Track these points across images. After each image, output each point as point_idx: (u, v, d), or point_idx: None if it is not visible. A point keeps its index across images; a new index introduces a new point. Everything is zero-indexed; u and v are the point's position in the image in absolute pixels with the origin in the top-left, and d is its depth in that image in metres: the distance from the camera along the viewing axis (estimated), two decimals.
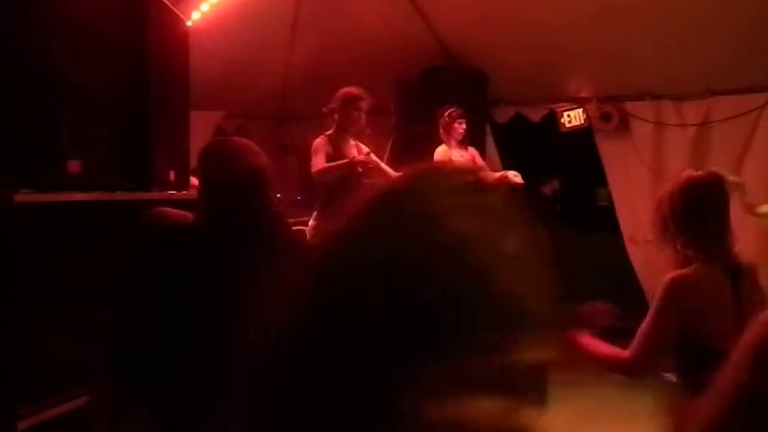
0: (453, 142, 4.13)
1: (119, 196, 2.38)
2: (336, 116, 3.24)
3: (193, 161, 3.19)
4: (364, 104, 3.23)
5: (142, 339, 1.36)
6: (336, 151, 3.17)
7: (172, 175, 2.69)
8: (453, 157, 4.02)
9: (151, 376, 1.38)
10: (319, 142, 3.19)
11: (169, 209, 1.93)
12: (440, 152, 4.03)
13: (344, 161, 3.17)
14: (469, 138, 5.62)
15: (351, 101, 3.20)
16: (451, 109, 4.15)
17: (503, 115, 6.01)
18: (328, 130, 3.27)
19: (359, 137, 3.34)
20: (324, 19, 5.13)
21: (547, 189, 5.99)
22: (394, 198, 0.52)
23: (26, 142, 2.10)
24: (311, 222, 3.21)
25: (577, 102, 5.44)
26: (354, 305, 0.44)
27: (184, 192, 2.81)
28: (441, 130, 4.15)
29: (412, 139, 5.40)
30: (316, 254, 0.61)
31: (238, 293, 1.36)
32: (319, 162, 3.15)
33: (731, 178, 3.38)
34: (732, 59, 4.56)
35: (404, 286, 0.44)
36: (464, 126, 4.17)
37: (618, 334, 6.16)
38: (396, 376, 0.43)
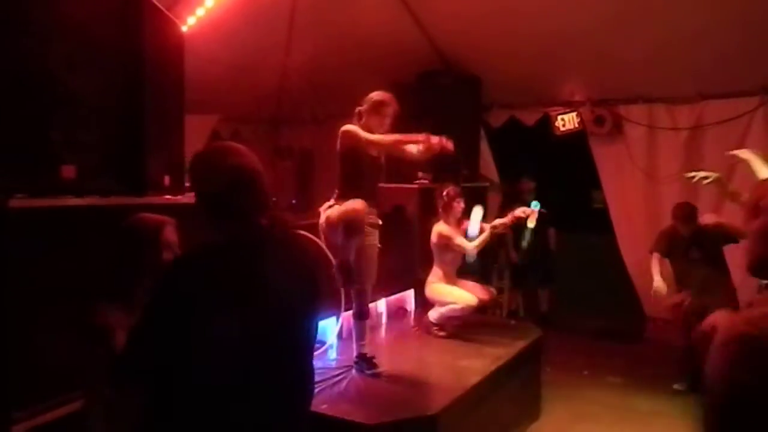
0: (452, 220, 4.21)
1: (113, 200, 2.37)
2: (363, 118, 3.34)
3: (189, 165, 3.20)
4: (391, 110, 3.35)
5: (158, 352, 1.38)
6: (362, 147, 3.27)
7: (167, 179, 2.69)
8: (453, 234, 4.11)
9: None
10: (354, 128, 3.26)
11: (148, 214, 1.94)
12: (445, 230, 4.14)
13: (420, 137, 3.22)
14: (464, 142, 5.66)
15: (380, 105, 3.32)
16: (449, 188, 4.25)
17: (497, 118, 6.04)
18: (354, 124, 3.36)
19: None
20: (320, 23, 5.15)
21: (524, 191, 5.98)
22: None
23: (20, 147, 2.10)
24: (331, 201, 3.26)
25: (570, 106, 5.47)
26: None
27: (179, 196, 2.82)
28: (440, 209, 4.23)
29: None
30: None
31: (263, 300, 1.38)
32: (368, 136, 3.21)
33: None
34: (724, 63, 4.60)
35: None
36: (462, 205, 4.22)
37: (610, 335, 6.20)
38: None
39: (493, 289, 4.47)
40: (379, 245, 3.39)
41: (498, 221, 4.11)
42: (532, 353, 4.10)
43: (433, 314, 4.16)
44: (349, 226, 3.06)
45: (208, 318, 1.33)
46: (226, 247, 1.44)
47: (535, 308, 6.06)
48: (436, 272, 4.27)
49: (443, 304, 4.08)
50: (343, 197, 3.20)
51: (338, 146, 3.26)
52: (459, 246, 4.10)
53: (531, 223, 4.10)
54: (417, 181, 5.15)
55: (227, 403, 1.34)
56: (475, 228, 4.15)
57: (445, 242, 4.12)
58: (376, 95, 3.35)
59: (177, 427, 1.37)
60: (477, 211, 4.20)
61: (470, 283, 4.35)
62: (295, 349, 1.48)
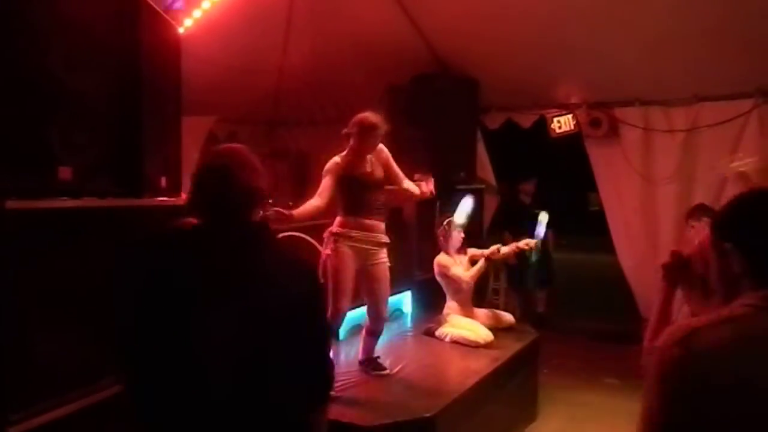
0: (452, 250, 4.25)
1: (110, 202, 2.37)
2: (351, 141, 3.26)
3: (185, 167, 3.21)
4: (381, 132, 3.25)
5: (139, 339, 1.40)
6: (352, 170, 3.23)
7: (163, 181, 2.69)
8: (451, 263, 4.19)
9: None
10: (332, 165, 3.24)
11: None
12: (443, 260, 4.21)
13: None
14: (460, 145, 5.67)
15: (368, 129, 3.22)
16: (449, 219, 4.28)
17: (494, 121, 6.06)
18: (344, 150, 3.31)
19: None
20: (316, 25, 5.15)
21: (524, 192, 5.99)
22: None
23: (17, 148, 2.09)
24: (336, 228, 3.25)
25: (567, 108, 5.49)
26: None
27: (175, 198, 2.81)
28: (441, 238, 4.27)
29: (404, 145, 5.43)
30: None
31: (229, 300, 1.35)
32: (323, 186, 3.21)
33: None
34: (719, 65, 4.62)
35: None
36: (462, 235, 4.27)
37: (606, 337, 6.23)
38: None
39: (510, 315, 4.46)
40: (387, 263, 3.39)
41: (498, 251, 4.15)
42: (529, 355, 4.11)
43: (441, 332, 4.13)
44: None
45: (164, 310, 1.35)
46: (183, 239, 1.46)
47: (532, 309, 6.08)
48: (450, 306, 4.24)
49: (456, 334, 4.04)
50: (348, 218, 3.25)
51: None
52: (455, 276, 4.14)
53: (534, 256, 4.25)
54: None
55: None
56: (462, 216, 4.17)
57: (444, 272, 4.15)
58: (365, 119, 3.23)
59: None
60: (466, 203, 4.22)
61: (487, 312, 4.38)
62: (267, 349, 1.39)
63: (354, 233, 3.21)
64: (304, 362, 1.43)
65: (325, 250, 3.25)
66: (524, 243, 4.17)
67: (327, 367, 1.51)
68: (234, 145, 1.64)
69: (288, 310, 1.40)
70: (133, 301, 1.41)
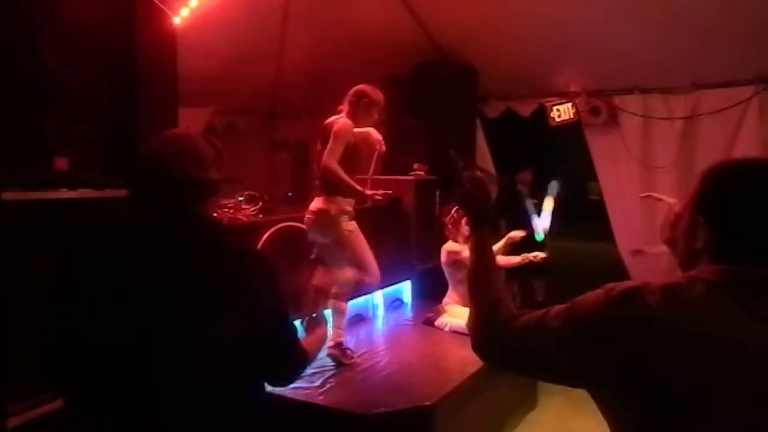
0: (460, 239, 4.21)
1: (107, 193, 2.37)
2: (348, 108, 3.28)
3: None
4: (381, 107, 3.32)
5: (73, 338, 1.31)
6: (354, 138, 3.24)
7: None
8: (462, 249, 4.16)
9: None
10: (346, 127, 3.18)
11: None
12: (454, 246, 4.19)
13: (357, 189, 3.21)
14: (460, 134, 5.67)
15: (375, 104, 3.28)
16: (458, 207, 4.24)
17: (493, 110, 6.04)
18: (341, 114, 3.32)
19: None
20: (314, 15, 5.12)
21: (521, 182, 5.98)
22: None
23: (13, 140, 2.09)
24: (316, 205, 3.25)
25: (566, 96, 5.47)
26: None
27: None
28: (449, 226, 4.25)
29: (403, 134, 5.42)
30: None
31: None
32: (336, 152, 3.15)
33: None
34: (719, 53, 4.60)
35: None
36: None
37: None
38: None
39: None
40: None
41: (505, 261, 4.19)
42: None
43: (441, 321, 4.14)
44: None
45: (88, 311, 1.27)
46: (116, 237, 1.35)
47: (531, 298, 6.08)
48: (451, 295, 4.25)
49: (456, 323, 4.05)
50: (330, 200, 3.24)
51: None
52: (467, 259, 4.10)
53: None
54: (413, 173, 5.15)
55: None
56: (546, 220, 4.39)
57: (455, 258, 4.12)
58: (375, 93, 3.27)
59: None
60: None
61: None
62: (198, 352, 1.27)
63: (351, 210, 3.32)
64: (277, 355, 1.39)
65: (346, 227, 3.24)
66: (533, 256, 4.24)
67: (298, 355, 1.47)
68: (179, 130, 1.51)
69: (259, 304, 1.33)
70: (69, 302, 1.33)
